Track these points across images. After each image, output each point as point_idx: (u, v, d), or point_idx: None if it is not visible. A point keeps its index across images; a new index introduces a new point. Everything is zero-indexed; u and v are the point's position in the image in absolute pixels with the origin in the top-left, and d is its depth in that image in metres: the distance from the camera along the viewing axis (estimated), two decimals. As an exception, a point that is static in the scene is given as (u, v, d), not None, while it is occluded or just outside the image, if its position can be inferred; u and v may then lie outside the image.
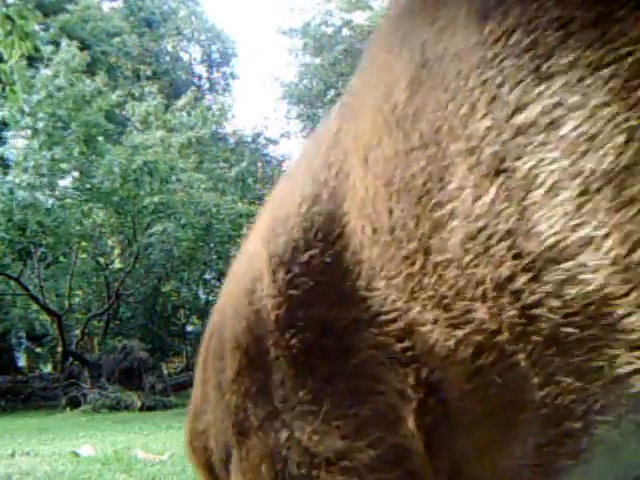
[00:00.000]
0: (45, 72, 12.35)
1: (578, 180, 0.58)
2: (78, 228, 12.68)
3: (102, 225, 13.75)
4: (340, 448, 0.80)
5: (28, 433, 7.75)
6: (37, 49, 4.23)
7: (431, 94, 0.68)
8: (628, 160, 0.56)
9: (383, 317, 0.74)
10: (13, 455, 5.78)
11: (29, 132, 12.48)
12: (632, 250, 0.57)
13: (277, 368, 0.84)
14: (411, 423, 0.75)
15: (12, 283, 12.99)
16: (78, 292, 15.05)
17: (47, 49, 12.42)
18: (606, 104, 0.57)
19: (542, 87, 0.61)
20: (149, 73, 18.85)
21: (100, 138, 12.84)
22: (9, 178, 12.01)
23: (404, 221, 0.70)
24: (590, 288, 0.60)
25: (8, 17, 4.08)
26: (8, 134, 13.93)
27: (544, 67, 0.60)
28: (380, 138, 0.74)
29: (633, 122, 0.56)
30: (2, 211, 11.51)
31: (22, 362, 17.00)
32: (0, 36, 4.15)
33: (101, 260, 14.78)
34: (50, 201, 11.76)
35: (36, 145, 12.03)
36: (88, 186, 12.59)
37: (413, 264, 0.70)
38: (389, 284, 0.73)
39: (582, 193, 0.59)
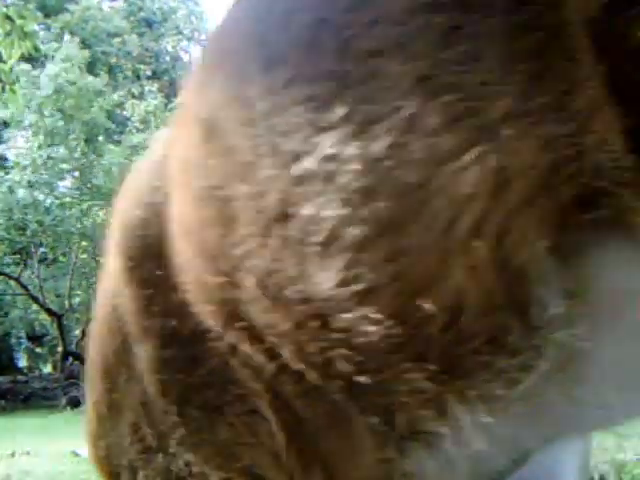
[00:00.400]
0: (51, 68, 12.36)
1: (355, 231, 0.60)
2: (79, 226, 12.68)
3: (102, 225, 13.75)
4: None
5: (28, 433, 7.75)
6: (37, 49, 4.22)
7: (225, 136, 0.69)
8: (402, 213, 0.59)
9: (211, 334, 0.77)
10: (13, 455, 5.78)
11: (30, 131, 12.49)
12: (410, 300, 0.60)
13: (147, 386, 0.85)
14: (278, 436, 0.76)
15: (12, 283, 13.00)
16: (78, 292, 15.06)
17: (52, 46, 12.44)
18: (380, 159, 0.59)
19: (319, 138, 0.61)
20: (149, 73, 18.86)
21: (100, 138, 12.85)
22: (9, 177, 12.02)
23: (212, 254, 0.72)
24: (374, 339, 0.62)
25: (8, 17, 4.08)
26: (8, 134, 13.94)
27: (322, 119, 0.61)
28: (191, 170, 0.75)
29: (403, 180, 0.59)
30: (2, 210, 11.51)
31: (22, 362, 17.00)
32: (0, 36, 4.15)
33: (101, 260, 14.76)
34: (49, 200, 11.77)
35: (37, 144, 12.04)
36: (88, 185, 12.60)
37: (225, 292, 0.72)
38: (205, 308, 0.75)
39: (359, 244, 0.61)
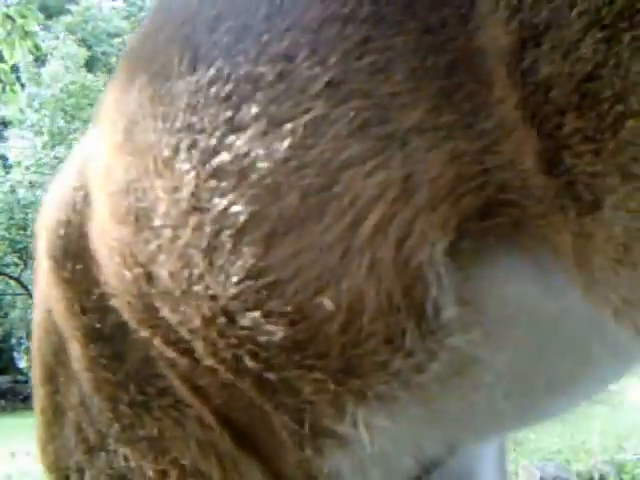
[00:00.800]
0: (52, 66, 12.36)
1: (264, 227, 0.64)
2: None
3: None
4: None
5: (28, 433, 7.74)
6: (38, 48, 4.22)
7: (145, 132, 0.72)
8: (307, 212, 0.63)
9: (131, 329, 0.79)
10: (13, 455, 5.77)
11: (32, 130, 12.49)
12: (312, 297, 0.64)
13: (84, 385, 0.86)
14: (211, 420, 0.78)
15: (12, 283, 13.00)
16: (78, 292, 15.02)
17: (51, 44, 12.44)
18: (287, 159, 0.63)
19: (233, 136, 0.65)
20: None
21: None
22: (10, 176, 12.02)
23: (128, 249, 0.74)
24: (278, 336, 0.66)
25: (9, 17, 4.08)
26: (9, 133, 13.93)
27: (236, 118, 0.65)
28: (111, 167, 0.78)
29: (308, 180, 0.62)
30: (3, 210, 11.51)
31: (22, 362, 16.99)
32: (1, 35, 4.15)
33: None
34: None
35: (39, 143, 12.03)
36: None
37: (139, 287, 0.74)
38: (122, 303, 0.77)
39: (266, 240, 0.64)
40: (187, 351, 0.73)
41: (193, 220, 0.68)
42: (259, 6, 0.67)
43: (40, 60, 11.90)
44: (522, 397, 0.73)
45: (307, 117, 0.62)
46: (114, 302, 0.79)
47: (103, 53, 17.11)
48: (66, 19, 16.39)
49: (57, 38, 13.50)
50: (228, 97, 0.67)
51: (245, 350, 0.68)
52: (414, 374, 0.66)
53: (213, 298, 0.68)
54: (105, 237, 0.78)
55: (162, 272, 0.71)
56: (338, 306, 0.63)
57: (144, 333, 0.77)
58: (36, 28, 4.49)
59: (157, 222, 0.70)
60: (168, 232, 0.69)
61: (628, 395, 4.26)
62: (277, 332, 0.65)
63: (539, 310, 0.65)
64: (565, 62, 0.53)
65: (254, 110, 0.65)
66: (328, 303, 0.64)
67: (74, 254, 0.85)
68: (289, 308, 0.65)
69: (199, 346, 0.71)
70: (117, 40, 17.28)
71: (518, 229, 0.61)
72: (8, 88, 4.43)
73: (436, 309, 0.63)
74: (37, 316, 0.97)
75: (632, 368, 0.74)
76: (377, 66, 0.62)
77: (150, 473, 0.81)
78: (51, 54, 12.36)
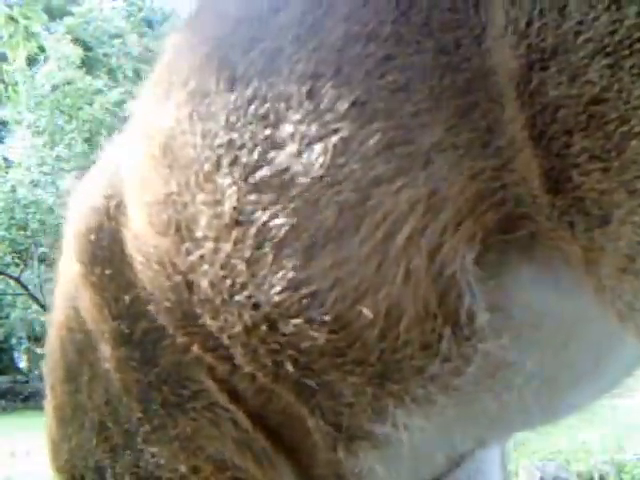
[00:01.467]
0: (46, 66, 12.35)
1: (304, 239, 0.67)
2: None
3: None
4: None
5: (28, 433, 7.75)
6: (43, 49, 4.23)
7: (184, 148, 0.76)
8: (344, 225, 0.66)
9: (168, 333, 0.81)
10: (13, 455, 5.78)
11: (30, 130, 12.48)
12: (352, 305, 0.67)
13: (113, 385, 0.88)
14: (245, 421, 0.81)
15: (12, 283, 12.98)
16: (78, 292, 15.00)
17: (50, 44, 12.42)
18: (322, 176, 0.67)
19: (273, 153, 0.69)
20: (150, 72, 18.80)
21: (102, 137, 12.84)
22: (10, 176, 12.01)
23: (167, 258, 0.77)
24: (319, 343, 0.69)
25: (12, 18, 4.08)
26: (9, 133, 13.92)
27: (275, 135, 0.69)
28: (148, 179, 0.80)
29: (343, 196, 0.66)
30: (3, 210, 11.50)
31: (22, 362, 16.98)
32: (4, 37, 4.16)
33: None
34: (52, 199, 11.76)
35: (39, 142, 12.02)
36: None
37: (179, 295, 0.77)
38: (159, 309, 0.80)
39: (306, 252, 0.67)
40: (226, 357, 0.76)
41: (235, 232, 0.71)
42: (290, 27, 0.70)
43: (35, 60, 11.89)
44: (549, 394, 0.76)
45: (336, 137, 0.66)
46: (150, 307, 0.81)
47: (104, 55, 17.09)
48: (68, 20, 16.37)
49: (57, 40, 13.49)
50: (266, 115, 0.70)
51: (286, 356, 0.71)
52: (451, 378, 0.69)
53: (255, 306, 0.70)
54: (143, 245, 0.81)
55: (203, 281, 0.74)
56: (376, 314, 0.66)
57: (182, 339, 0.79)
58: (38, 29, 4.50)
59: (199, 233, 0.73)
60: (210, 244, 0.72)
61: (628, 396, 4.28)
62: (318, 338, 0.68)
63: (559, 313, 0.69)
64: (572, 85, 0.56)
65: (289, 129, 0.68)
66: (367, 311, 0.66)
67: (104, 259, 0.87)
68: (329, 316, 0.67)
69: (239, 352, 0.74)
70: (117, 41, 17.27)
71: (535, 240, 0.64)
72: (10, 88, 4.44)
73: (470, 316, 0.66)
74: (59, 315, 0.98)
75: None
76: (398, 85, 0.64)
77: (183, 469, 0.83)
78: (47, 55, 12.36)
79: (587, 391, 0.82)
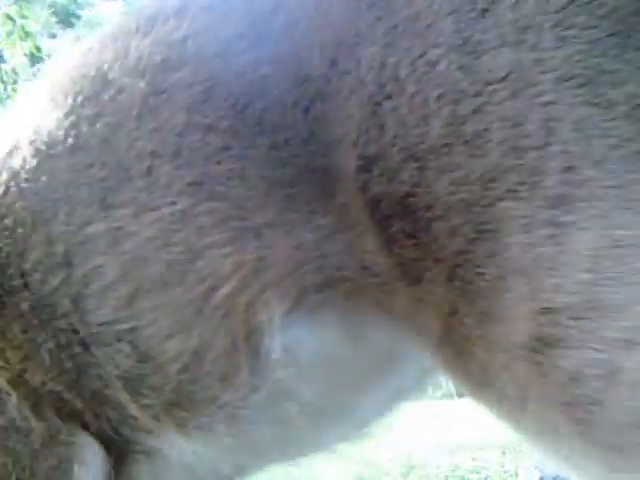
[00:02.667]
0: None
1: (129, 284, 0.78)
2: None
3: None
4: None
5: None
6: (39, 48, 4.24)
7: (29, 192, 0.85)
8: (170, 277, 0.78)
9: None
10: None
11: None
12: (161, 342, 0.78)
13: None
14: None
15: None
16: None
17: (51, 44, 12.48)
18: (155, 238, 0.77)
19: (109, 212, 0.79)
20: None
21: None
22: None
23: None
24: (123, 367, 0.81)
25: (9, 17, 4.08)
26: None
27: (114, 197, 0.79)
28: None
29: (174, 255, 0.77)
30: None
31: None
32: (1, 36, 4.17)
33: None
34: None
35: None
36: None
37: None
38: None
39: (131, 294, 0.77)
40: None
41: (64, 271, 0.80)
42: (132, 107, 0.80)
43: (39, 59, 11.95)
44: (316, 427, 0.90)
45: (173, 208, 0.76)
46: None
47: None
48: (80, 29, 16.47)
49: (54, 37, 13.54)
50: (104, 179, 0.80)
51: (88, 373, 0.82)
52: (238, 407, 0.81)
53: (74, 331, 0.81)
54: None
55: (24, 304, 0.84)
56: (184, 351, 0.78)
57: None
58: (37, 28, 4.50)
59: (26, 265, 0.83)
60: (38, 275, 0.83)
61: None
62: (123, 365, 0.79)
63: (340, 358, 0.82)
64: (390, 185, 0.69)
65: (127, 195, 0.78)
66: (174, 347, 0.78)
67: None
68: (141, 349, 0.79)
69: (47, 363, 0.84)
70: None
71: (344, 296, 0.77)
72: (9, 88, 4.45)
73: (267, 353, 0.78)
74: None
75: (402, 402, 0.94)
76: (234, 172, 0.74)
77: None
78: (48, 55, 12.42)
79: (348, 427, 0.95)
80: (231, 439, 0.84)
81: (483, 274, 0.63)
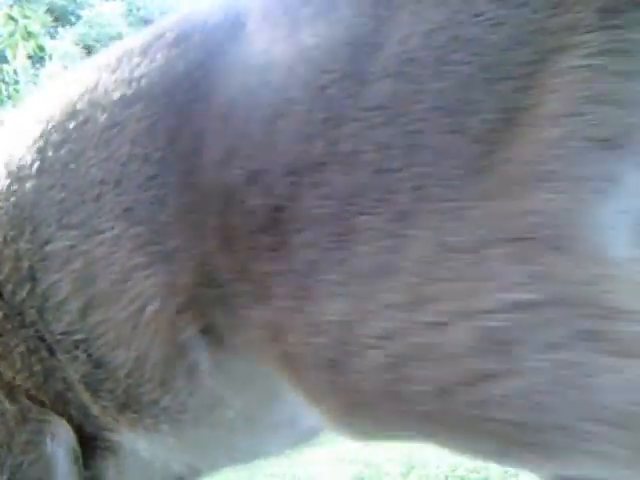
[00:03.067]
0: (51, 67, 12.39)
1: (80, 299, 0.88)
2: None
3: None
4: None
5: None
6: (42, 48, 4.23)
7: (1, 211, 0.97)
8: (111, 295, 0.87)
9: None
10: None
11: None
12: (111, 351, 0.90)
13: None
14: None
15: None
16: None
17: (54, 44, 12.44)
18: (100, 258, 0.87)
19: (64, 232, 0.89)
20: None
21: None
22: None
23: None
24: (82, 372, 0.93)
25: (11, 17, 4.08)
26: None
27: (65, 219, 0.89)
28: None
29: (113, 275, 0.86)
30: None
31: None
32: (2, 36, 4.16)
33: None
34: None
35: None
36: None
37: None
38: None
39: (83, 309, 0.88)
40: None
41: (28, 285, 0.90)
42: (93, 135, 0.88)
43: (41, 59, 11.93)
44: (251, 434, 0.98)
45: (112, 232, 0.84)
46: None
47: (104, 55, 17.13)
48: (79, 28, 16.40)
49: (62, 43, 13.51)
50: (62, 201, 0.88)
51: (55, 376, 0.93)
52: (178, 411, 0.90)
53: (40, 339, 0.92)
54: None
55: None
56: (127, 359, 0.87)
57: None
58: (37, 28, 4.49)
59: (0, 277, 0.94)
60: (9, 287, 0.93)
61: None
62: (82, 370, 0.90)
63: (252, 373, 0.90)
64: (265, 198, 0.73)
65: (80, 217, 0.87)
66: (121, 356, 0.88)
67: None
68: (94, 356, 0.88)
69: (18, 366, 0.94)
70: (117, 41, 17.29)
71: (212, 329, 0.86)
72: (11, 89, 4.44)
73: (194, 364, 0.87)
74: None
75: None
76: (157, 198, 0.82)
77: None
78: (50, 56, 12.38)
79: (290, 436, 1.01)
80: (175, 440, 0.94)
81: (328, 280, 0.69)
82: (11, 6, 4.23)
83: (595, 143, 0.56)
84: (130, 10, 19.60)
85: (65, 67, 12.53)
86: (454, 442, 0.63)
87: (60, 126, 0.93)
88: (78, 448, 0.96)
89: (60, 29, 14.59)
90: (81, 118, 0.91)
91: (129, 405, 0.91)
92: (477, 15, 0.62)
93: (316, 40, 0.71)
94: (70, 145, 0.91)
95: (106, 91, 0.90)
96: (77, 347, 0.90)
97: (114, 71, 0.91)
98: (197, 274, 0.82)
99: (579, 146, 0.56)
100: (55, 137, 0.93)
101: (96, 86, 0.92)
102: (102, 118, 0.88)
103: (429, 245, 0.61)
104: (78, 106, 0.92)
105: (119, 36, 18.00)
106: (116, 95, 0.88)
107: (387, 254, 0.63)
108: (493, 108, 0.60)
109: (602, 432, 0.54)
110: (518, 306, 0.56)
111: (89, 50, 14.76)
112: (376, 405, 0.65)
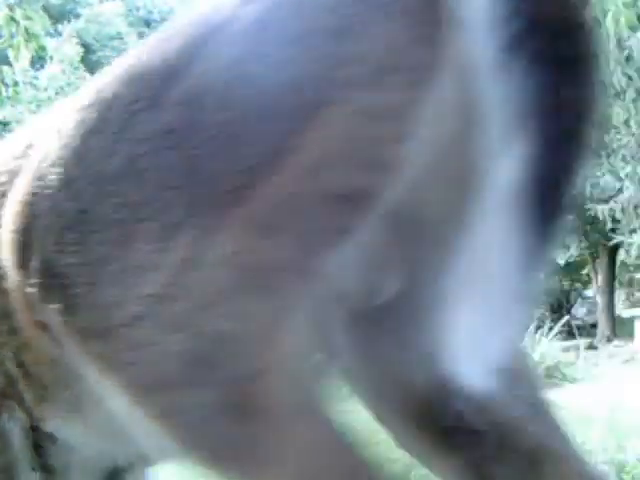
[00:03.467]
0: (51, 68, 12.37)
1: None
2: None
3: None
4: None
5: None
6: (44, 48, 4.23)
7: None
8: None
9: None
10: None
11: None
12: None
13: None
14: None
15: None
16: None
17: (54, 45, 12.45)
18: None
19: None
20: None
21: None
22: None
23: None
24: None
25: (12, 19, 4.08)
26: (10, 133, 13.88)
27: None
28: None
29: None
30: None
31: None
32: (4, 38, 4.16)
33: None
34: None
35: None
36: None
37: None
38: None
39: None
40: None
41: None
42: (71, 168, 0.87)
43: (40, 59, 11.90)
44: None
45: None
46: None
47: (106, 57, 17.10)
48: (77, 24, 16.37)
49: (60, 42, 13.48)
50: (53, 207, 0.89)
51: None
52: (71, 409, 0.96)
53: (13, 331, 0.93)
54: None
55: None
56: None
57: None
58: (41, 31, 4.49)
59: None
60: None
61: (628, 396, 4.29)
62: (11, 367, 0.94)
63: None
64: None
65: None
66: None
67: None
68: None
69: None
70: (117, 42, 17.27)
71: None
72: (11, 89, 4.45)
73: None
74: None
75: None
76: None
77: None
78: (51, 57, 12.36)
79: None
80: (86, 429, 0.99)
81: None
82: (12, 7, 4.22)
83: None
84: (130, 10, 19.58)
85: (64, 68, 12.51)
86: None
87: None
88: (30, 431, 1.01)
89: (59, 27, 14.55)
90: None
91: (41, 395, 0.96)
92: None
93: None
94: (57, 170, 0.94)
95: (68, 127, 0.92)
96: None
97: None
98: None
99: None
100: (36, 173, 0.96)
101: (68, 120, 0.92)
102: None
103: (183, 254, 0.73)
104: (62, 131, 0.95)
105: (118, 35, 18.01)
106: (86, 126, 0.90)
107: (155, 254, 0.75)
108: (263, 143, 0.72)
109: None
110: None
111: (88, 49, 14.75)
112: None
